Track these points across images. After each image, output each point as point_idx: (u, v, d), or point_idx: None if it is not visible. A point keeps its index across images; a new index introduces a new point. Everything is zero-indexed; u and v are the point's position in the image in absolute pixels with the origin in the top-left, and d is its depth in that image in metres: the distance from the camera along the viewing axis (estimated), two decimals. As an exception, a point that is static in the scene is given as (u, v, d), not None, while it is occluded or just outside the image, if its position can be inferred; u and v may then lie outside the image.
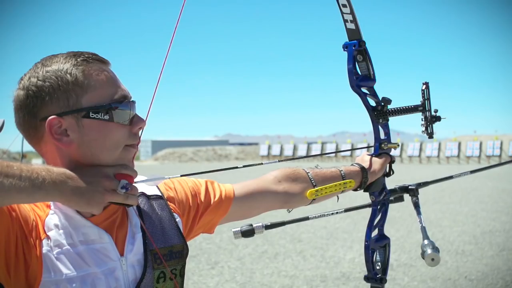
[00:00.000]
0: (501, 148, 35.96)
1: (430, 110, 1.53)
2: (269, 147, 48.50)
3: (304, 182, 1.55)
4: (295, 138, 51.50)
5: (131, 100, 1.21)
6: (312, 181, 1.55)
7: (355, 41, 1.51)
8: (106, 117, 1.15)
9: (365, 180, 1.60)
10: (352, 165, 1.65)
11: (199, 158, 49.44)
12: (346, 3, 1.48)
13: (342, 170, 1.59)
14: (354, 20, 1.49)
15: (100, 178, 1.10)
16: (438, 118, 1.53)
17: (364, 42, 1.51)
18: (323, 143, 45.54)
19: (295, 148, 46.49)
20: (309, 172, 1.57)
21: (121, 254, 1.21)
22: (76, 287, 1.11)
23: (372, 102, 1.59)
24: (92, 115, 1.14)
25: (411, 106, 1.56)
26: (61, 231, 1.14)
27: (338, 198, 1.59)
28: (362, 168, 1.62)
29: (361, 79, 1.54)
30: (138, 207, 1.30)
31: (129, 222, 1.26)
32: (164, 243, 1.28)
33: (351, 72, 1.53)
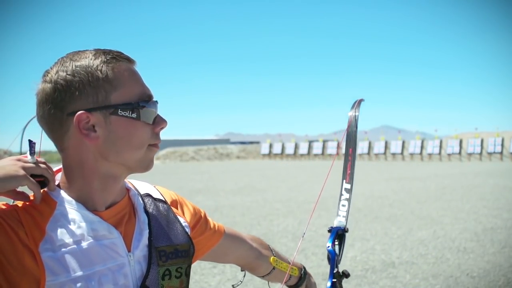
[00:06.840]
0: (502, 145, 35.93)
1: (339, 262, 1.66)
2: (270, 146, 48.50)
3: (268, 249, 1.71)
4: (296, 136, 51.45)
5: (154, 100, 1.23)
6: (273, 252, 1.71)
7: (341, 227, 1.68)
8: (134, 115, 1.17)
9: (302, 277, 1.75)
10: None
11: (200, 157, 49.47)
12: (346, 203, 1.64)
13: (288, 259, 1.75)
14: (346, 211, 1.67)
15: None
16: (346, 275, 1.72)
17: (348, 229, 1.68)
18: (324, 141, 45.53)
19: (296, 146, 46.50)
20: (270, 245, 1.74)
21: (129, 250, 1.22)
22: (82, 286, 1.11)
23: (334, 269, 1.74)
24: (121, 113, 1.16)
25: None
26: (67, 229, 1.14)
27: None
28: (303, 267, 1.78)
29: (334, 257, 1.70)
30: (144, 207, 1.31)
31: (137, 218, 1.27)
32: (169, 241, 1.30)
33: (330, 247, 1.71)
